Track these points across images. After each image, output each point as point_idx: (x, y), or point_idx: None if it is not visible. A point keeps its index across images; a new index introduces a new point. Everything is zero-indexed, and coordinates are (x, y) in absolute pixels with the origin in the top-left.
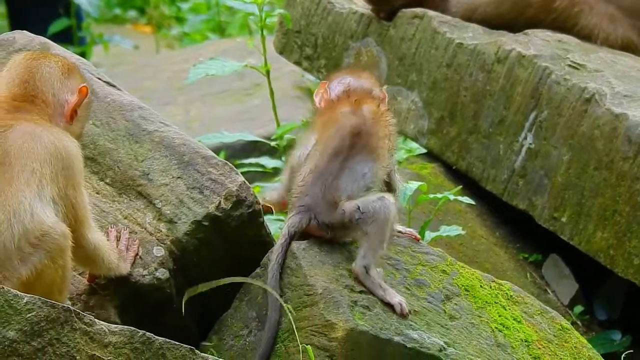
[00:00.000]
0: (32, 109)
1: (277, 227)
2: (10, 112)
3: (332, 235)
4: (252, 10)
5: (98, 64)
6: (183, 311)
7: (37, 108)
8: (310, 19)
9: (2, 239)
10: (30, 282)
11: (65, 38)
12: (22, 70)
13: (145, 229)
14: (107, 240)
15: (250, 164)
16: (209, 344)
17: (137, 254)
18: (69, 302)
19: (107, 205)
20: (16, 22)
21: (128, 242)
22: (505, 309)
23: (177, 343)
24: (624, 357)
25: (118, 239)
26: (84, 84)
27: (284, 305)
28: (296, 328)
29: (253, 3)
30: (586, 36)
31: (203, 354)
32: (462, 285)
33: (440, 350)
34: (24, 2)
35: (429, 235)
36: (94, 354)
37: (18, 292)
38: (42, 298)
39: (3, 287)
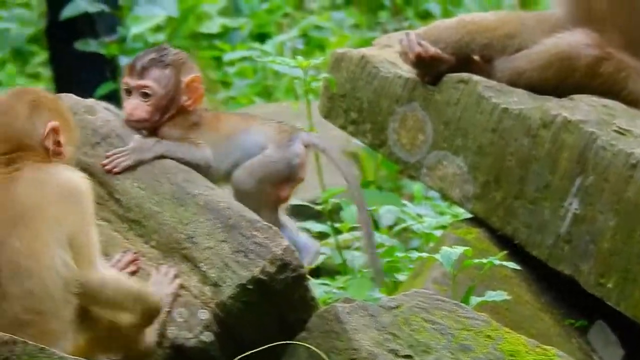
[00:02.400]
0: (25, 155)
1: (322, 290)
2: (8, 165)
3: None
4: (297, 74)
5: None
6: None
7: (29, 153)
8: (356, 83)
9: (52, 294)
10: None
11: (112, 101)
12: None
13: (190, 291)
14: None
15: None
16: None
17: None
18: None
19: (152, 269)
20: (62, 86)
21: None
22: None
23: None
24: None
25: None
26: (51, 122)
27: None
28: None
29: (298, 67)
30: (632, 101)
31: None
32: (507, 351)
33: None
34: (70, 65)
35: (474, 300)
36: None
37: (64, 354)
38: None
39: (49, 350)
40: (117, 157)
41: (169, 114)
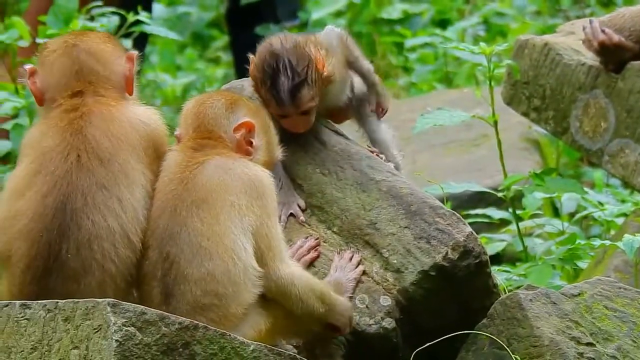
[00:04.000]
0: (216, 144)
1: (503, 277)
2: (198, 150)
3: None
4: (479, 61)
5: None
6: None
7: (219, 144)
8: (539, 70)
9: (232, 277)
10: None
11: None
12: (193, 116)
13: (372, 278)
14: (310, 275)
15: (477, 215)
16: None
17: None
18: (295, 350)
19: (334, 254)
20: (242, 71)
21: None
22: None
23: None
24: None
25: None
26: (246, 119)
27: (512, 355)
28: None
29: (481, 54)
30: None
31: None
32: None
33: None
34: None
35: None
36: None
37: (244, 339)
38: (268, 346)
39: (230, 335)
40: None
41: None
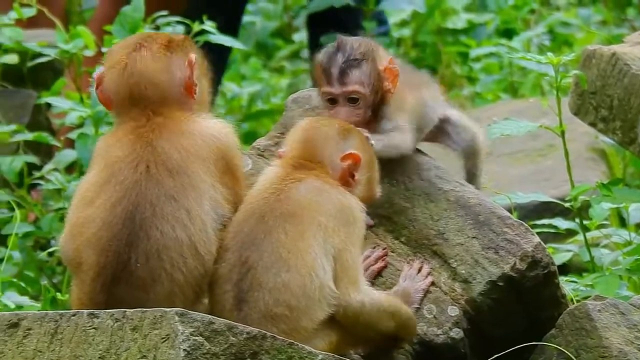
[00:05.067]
0: (315, 167)
1: (571, 288)
2: (297, 169)
3: None
4: (545, 71)
5: None
6: None
7: (322, 168)
8: (606, 80)
9: (307, 292)
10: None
11: None
12: (302, 136)
13: (440, 288)
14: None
15: (543, 225)
16: None
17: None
18: None
19: (402, 264)
20: None
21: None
22: None
23: None
24: None
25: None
26: (355, 151)
27: None
28: None
29: (549, 64)
30: None
31: None
32: None
33: None
34: None
35: None
36: None
37: (312, 349)
38: (337, 356)
39: (297, 345)
40: None
41: (378, 102)
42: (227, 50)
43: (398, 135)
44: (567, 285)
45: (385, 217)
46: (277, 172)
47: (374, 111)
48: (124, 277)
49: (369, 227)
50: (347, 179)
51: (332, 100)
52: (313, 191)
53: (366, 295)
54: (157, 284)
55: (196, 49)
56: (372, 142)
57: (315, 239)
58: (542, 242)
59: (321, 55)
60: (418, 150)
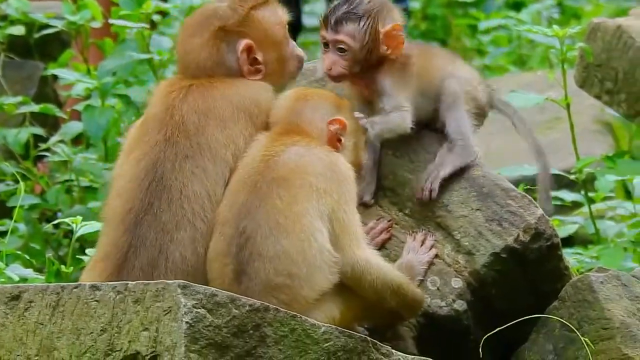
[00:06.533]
0: (302, 132)
1: (575, 260)
2: (284, 135)
3: None
4: (553, 43)
5: None
6: (481, 351)
7: (309, 134)
8: (611, 53)
9: (307, 257)
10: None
11: None
12: (291, 104)
13: (443, 260)
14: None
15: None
16: None
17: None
18: (366, 332)
19: (406, 236)
20: None
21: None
22: None
23: None
24: None
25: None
26: (341, 118)
27: (582, 338)
28: None
29: (554, 36)
30: None
31: None
32: None
33: None
34: None
35: None
36: None
37: (315, 321)
38: (340, 328)
39: (300, 317)
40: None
41: (371, 64)
42: None
43: (396, 117)
44: (572, 258)
45: (389, 189)
46: (264, 141)
47: (368, 73)
48: (147, 219)
49: (366, 206)
50: (334, 143)
51: (326, 45)
52: (301, 153)
53: (372, 256)
54: (181, 229)
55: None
56: (367, 127)
57: (308, 201)
58: (545, 214)
59: (334, 2)
60: (426, 126)
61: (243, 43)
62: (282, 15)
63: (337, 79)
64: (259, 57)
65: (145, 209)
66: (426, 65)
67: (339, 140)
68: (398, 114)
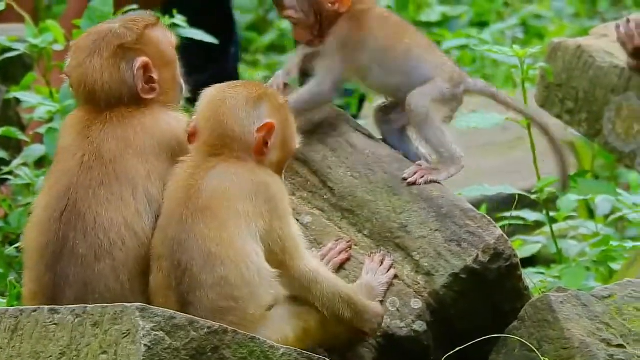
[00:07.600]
0: (224, 148)
1: (538, 279)
2: (206, 155)
3: None
4: (516, 63)
5: (366, 116)
6: None
7: (227, 148)
8: (572, 72)
9: (247, 280)
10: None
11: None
12: (210, 112)
13: (403, 281)
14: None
15: (512, 217)
16: None
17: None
18: (325, 354)
19: (365, 257)
20: None
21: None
22: None
23: None
24: None
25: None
26: (268, 119)
27: (541, 358)
28: None
29: (515, 56)
30: None
31: None
32: None
33: None
34: None
35: None
36: None
37: (274, 343)
38: (298, 350)
39: (259, 338)
40: None
41: (331, 21)
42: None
43: (313, 85)
44: (535, 277)
45: (348, 211)
46: (185, 166)
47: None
48: (66, 254)
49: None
50: (260, 149)
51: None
52: (223, 179)
53: (319, 266)
54: (101, 260)
55: (157, 41)
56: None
57: (237, 226)
58: (504, 235)
59: None
60: (383, 141)
61: (140, 60)
62: (172, 36)
63: (310, 44)
64: (155, 75)
65: (62, 244)
66: (389, 34)
67: (266, 144)
68: (315, 81)
